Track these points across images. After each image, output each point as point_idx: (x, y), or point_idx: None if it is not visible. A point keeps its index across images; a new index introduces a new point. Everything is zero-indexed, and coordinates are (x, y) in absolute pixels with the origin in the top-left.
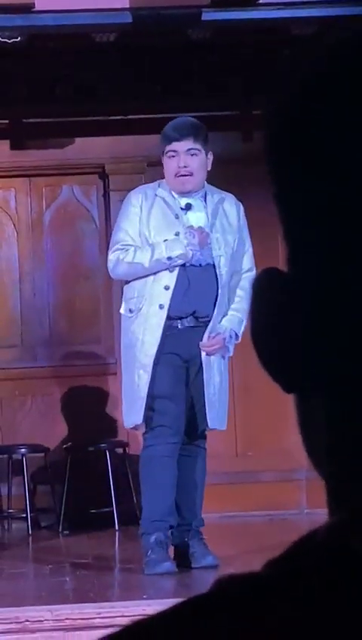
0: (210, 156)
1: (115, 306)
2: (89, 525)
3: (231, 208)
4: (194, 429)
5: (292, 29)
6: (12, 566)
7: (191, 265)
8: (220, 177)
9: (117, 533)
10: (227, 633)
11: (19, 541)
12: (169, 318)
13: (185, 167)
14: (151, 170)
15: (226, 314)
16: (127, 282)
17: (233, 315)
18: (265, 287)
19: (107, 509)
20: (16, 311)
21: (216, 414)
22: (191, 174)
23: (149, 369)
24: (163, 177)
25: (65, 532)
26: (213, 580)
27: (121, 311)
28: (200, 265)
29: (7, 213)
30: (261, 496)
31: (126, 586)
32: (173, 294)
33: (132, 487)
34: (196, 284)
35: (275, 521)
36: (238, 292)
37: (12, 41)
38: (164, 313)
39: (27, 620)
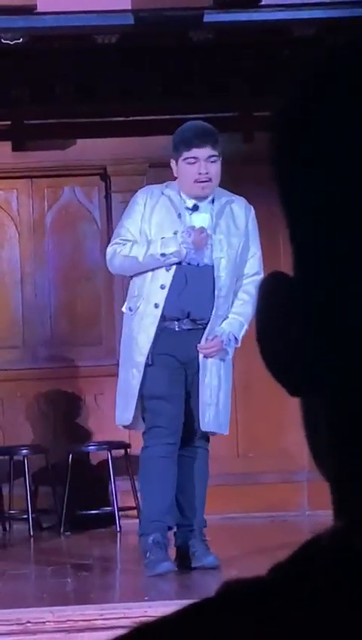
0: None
1: (116, 307)
2: (90, 526)
3: (241, 211)
4: (193, 430)
5: (293, 30)
6: (13, 567)
7: (189, 264)
8: (221, 178)
9: (118, 534)
10: (233, 636)
11: (21, 542)
12: (164, 318)
13: (206, 173)
14: (153, 171)
15: (227, 317)
16: (131, 279)
17: (234, 319)
18: (270, 290)
19: (108, 510)
20: (17, 312)
21: (212, 418)
22: (210, 180)
23: (142, 368)
24: (166, 179)
25: (66, 533)
26: (214, 581)
27: (123, 309)
28: (197, 265)
29: (8, 214)
30: (262, 497)
31: (127, 587)
32: (168, 293)
33: (133, 488)
34: (193, 284)
35: (276, 523)
36: (242, 295)
37: (14, 42)
38: (158, 312)
39: (29, 622)
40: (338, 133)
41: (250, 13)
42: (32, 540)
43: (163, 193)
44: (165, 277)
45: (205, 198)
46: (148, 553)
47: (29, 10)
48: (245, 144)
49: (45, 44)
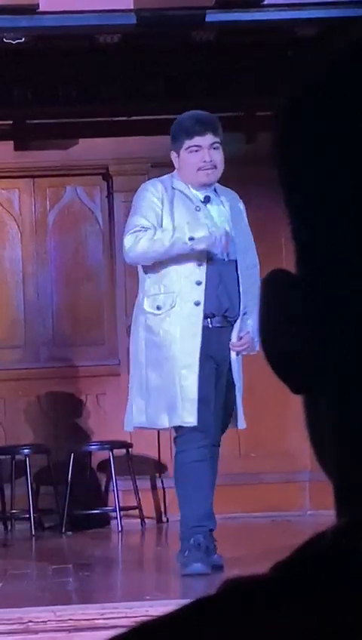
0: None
1: (118, 306)
2: (92, 526)
3: (239, 204)
4: (218, 430)
5: (296, 30)
6: (15, 567)
7: (218, 258)
8: (223, 178)
9: (120, 534)
10: (234, 636)
11: (23, 542)
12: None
13: (210, 161)
14: (155, 170)
15: (246, 312)
16: (147, 276)
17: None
18: (274, 289)
19: (110, 510)
20: (19, 311)
21: (242, 414)
22: (215, 167)
23: (196, 368)
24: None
25: (68, 533)
26: (217, 580)
27: (146, 307)
28: (224, 259)
29: (10, 213)
30: (264, 497)
31: (129, 586)
32: (206, 290)
33: (135, 488)
34: (226, 280)
35: (278, 523)
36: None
37: (16, 42)
38: (200, 310)
39: (30, 621)
40: (340, 132)
41: (253, 12)
42: (33, 539)
43: (174, 187)
44: (199, 273)
45: (210, 185)
46: (186, 552)
47: (32, 10)
48: (247, 144)
49: (47, 43)
